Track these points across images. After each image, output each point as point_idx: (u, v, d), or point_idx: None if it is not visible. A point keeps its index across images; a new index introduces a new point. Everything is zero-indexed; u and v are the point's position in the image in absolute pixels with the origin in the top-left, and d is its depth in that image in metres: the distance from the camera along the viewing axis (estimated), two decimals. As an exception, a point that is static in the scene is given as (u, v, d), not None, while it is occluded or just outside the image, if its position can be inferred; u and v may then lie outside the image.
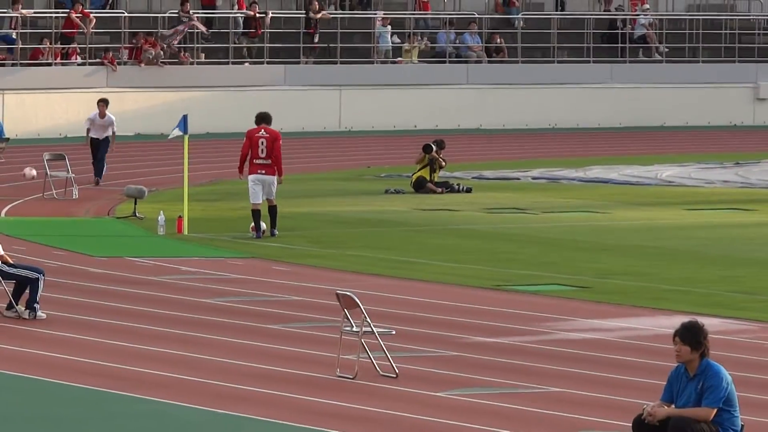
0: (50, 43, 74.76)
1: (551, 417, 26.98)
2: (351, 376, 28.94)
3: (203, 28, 74.40)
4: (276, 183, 46.42)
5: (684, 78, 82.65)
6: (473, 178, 61.70)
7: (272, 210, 46.30)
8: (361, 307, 29.00)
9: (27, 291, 34.97)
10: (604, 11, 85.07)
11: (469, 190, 57.85)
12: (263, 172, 46.06)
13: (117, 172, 56.37)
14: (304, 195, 55.45)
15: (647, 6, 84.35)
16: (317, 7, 75.53)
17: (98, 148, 56.12)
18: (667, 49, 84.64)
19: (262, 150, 46.05)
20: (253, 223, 46.25)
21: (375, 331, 29.31)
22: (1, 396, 27.97)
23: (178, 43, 74.58)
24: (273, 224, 46.32)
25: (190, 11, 73.83)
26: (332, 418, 26.67)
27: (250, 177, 46.20)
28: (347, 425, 26.43)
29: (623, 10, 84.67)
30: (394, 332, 30.02)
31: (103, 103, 56.42)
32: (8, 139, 61.59)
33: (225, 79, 74.58)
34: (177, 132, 47.21)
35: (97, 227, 49.07)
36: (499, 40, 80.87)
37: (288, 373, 29.81)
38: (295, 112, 72.67)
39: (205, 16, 75.54)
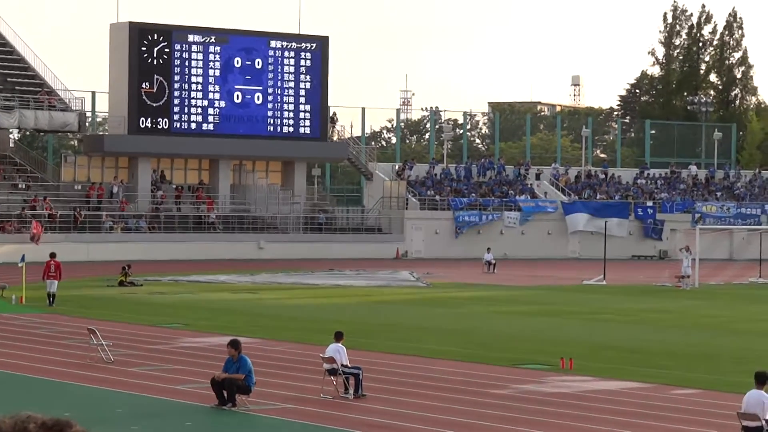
0: None
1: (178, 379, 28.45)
2: (93, 362, 30.24)
3: None
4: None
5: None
6: (163, 279, 59.95)
7: (54, 295, 45.95)
8: (98, 333, 30.98)
9: None
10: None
11: (141, 285, 56.11)
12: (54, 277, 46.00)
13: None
14: (72, 287, 52.94)
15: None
16: None
17: None
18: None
19: (53, 269, 46.07)
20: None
21: (104, 343, 30.80)
22: None
23: None
24: (53, 300, 45.90)
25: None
26: (82, 378, 27.98)
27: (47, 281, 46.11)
28: (90, 380, 27.43)
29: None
30: (111, 344, 31.58)
31: None
32: None
33: None
34: (21, 263, 47.05)
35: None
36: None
37: (67, 362, 30.88)
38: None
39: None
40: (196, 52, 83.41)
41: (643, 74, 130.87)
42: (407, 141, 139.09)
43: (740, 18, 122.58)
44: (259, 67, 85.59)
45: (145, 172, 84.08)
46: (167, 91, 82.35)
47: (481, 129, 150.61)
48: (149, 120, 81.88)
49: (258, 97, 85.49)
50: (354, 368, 26.22)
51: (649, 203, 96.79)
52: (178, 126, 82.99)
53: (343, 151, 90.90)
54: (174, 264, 73.44)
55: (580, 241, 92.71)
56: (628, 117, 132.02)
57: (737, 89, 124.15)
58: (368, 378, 26.89)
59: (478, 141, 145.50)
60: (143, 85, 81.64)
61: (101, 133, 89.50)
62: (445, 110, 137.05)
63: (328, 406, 25.00)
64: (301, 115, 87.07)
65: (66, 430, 2.11)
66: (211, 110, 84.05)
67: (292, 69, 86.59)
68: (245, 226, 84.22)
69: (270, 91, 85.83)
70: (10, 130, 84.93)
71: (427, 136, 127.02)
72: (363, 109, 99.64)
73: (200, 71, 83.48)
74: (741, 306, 51.93)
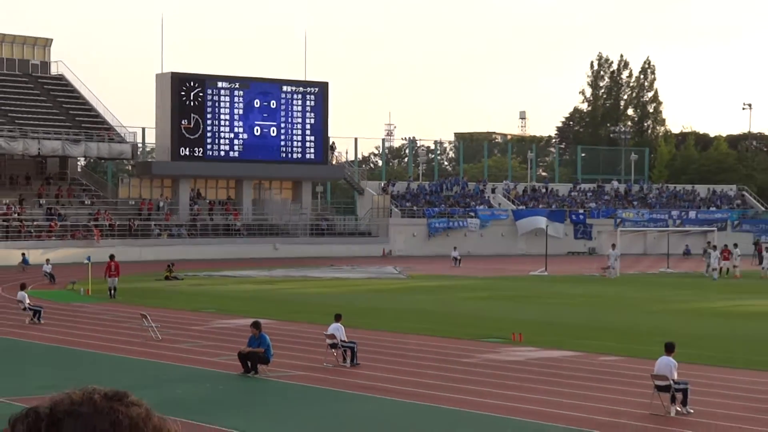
0: None
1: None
2: (146, 341, 29.65)
3: None
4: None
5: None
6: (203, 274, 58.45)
7: (115, 288, 44.32)
8: (149, 317, 30.53)
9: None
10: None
11: (182, 279, 54.92)
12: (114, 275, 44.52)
13: (65, 275, 52.56)
14: (128, 282, 50.51)
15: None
16: None
17: None
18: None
19: (113, 269, 44.50)
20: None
21: (152, 325, 30.41)
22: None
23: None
24: (115, 293, 44.22)
25: None
26: (137, 353, 27.18)
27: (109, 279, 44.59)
28: (143, 354, 26.77)
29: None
30: (159, 325, 31.02)
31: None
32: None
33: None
34: (87, 261, 46.85)
35: (62, 293, 46.37)
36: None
37: (125, 340, 30.04)
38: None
39: None
40: (224, 95, 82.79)
41: (576, 109, 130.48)
42: (391, 164, 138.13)
43: (653, 64, 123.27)
44: (274, 106, 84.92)
45: (185, 190, 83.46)
46: (201, 126, 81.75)
47: (448, 153, 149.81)
48: (188, 149, 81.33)
49: (273, 130, 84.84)
50: (350, 343, 25.71)
51: (581, 211, 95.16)
52: (211, 154, 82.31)
53: (340, 172, 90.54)
54: (208, 262, 72.28)
55: (526, 241, 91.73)
56: (564, 143, 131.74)
57: (650, 121, 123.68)
58: (362, 350, 26.43)
59: (446, 163, 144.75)
60: (182, 122, 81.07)
61: (150, 160, 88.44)
62: (420, 139, 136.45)
63: (330, 373, 24.59)
64: (307, 144, 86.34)
65: (123, 399, 2.19)
66: (236, 141, 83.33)
67: (299, 108, 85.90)
68: (264, 231, 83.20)
69: (282, 125, 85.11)
70: (78, 158, 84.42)
71: (406, 159, 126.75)
72: (356, 139, 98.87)
73: (227, 110, 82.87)
74: (653, 290, 50.87)
